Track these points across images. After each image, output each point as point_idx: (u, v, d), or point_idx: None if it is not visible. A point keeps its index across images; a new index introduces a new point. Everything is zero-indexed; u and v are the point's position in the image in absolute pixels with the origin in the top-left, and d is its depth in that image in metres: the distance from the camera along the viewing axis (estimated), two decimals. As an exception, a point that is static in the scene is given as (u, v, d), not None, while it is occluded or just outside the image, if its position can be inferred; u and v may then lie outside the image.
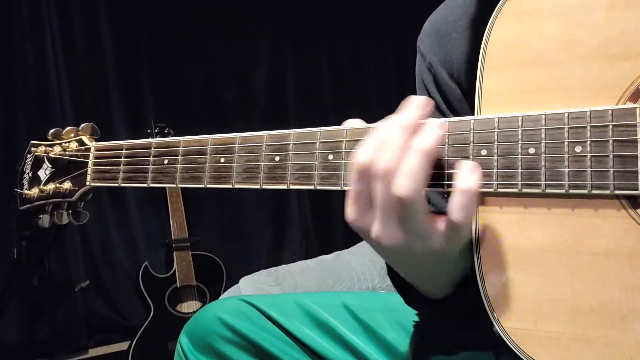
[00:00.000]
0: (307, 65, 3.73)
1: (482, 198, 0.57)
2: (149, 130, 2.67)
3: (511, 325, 0.56)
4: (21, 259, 2.71)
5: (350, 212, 0.54)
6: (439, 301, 0.63)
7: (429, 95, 0.85)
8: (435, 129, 0.53)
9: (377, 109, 3.76)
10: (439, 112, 0.82)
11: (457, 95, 0.77)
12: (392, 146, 0.51)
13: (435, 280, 0.62)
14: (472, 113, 0.59)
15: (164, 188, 2.56)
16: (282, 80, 3.67)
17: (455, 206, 0.52)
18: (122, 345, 2.76)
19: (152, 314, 2.48)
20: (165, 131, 2.69)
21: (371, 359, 0.76)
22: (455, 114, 0.59)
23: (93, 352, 2.99)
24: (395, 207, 0.51)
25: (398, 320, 0.78)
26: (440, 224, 0.53)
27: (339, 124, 0.64)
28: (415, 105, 0.54)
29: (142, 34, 3.26)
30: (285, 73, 3.68)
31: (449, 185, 0.57)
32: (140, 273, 2.53)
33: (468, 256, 0.57)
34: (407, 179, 0.50)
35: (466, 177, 0.52)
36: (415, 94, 0.87)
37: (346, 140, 0.63)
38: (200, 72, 3.39)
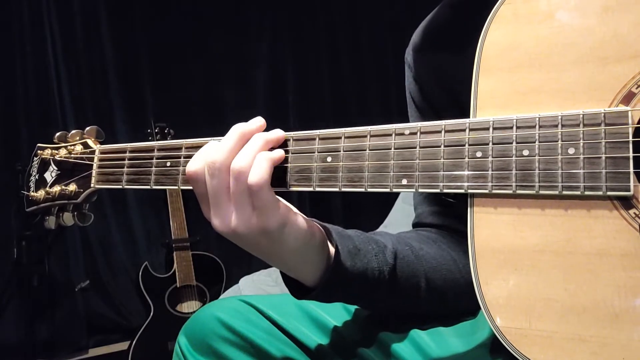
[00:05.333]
0: (307, 65, 3.74)
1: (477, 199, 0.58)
2: (149, 130, 2.67)
3: (506, 324, 0.56)
4: (21, 259, 2.72)
5: (214, 219, 0.63)
6: (313, 288, 0.68)
7: (416, 105, 0.87)
8: (279, 134, 0.65)
9: (377, 109, 3.79)
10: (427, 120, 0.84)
11: (443, 104, 0.79)
12: (246, 149, 0.62)
13: (303, 267, 0.67)
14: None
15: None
16: (282, 81, 3.68)
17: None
18: (122, 345, 2.76)
19: (152, 314, 2.48)
20: (165, 131, 2.69)
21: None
22: None
23: (93, 352, 3.00)
24: (247, 194, 0.61)
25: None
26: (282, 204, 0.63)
27: (339, 124, 0.65)
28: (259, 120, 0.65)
29: (142, 34, 3.27)
30: (285, 73, 3.69)
31: (445, 187, 0.58)
32: (140, 273, 2.53)
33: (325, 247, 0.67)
34: (256, 172, 0.61)
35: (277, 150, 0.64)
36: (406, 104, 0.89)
37: (344, 143, 0.63)
38: (200, 72, 3.40)
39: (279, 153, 0.64)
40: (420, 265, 0.75)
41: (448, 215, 0.83)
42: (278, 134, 0.65)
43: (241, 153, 0.62)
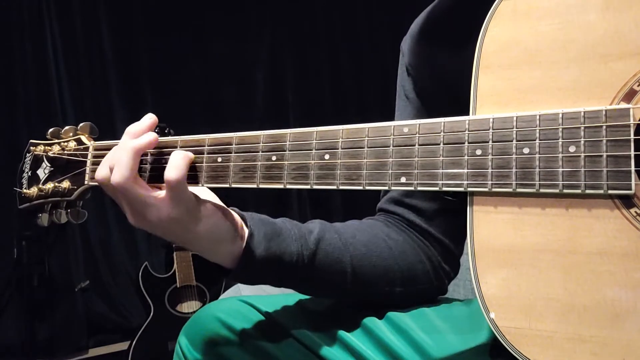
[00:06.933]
0: (307, 66, 3.73)
1: (477, 198, 0.58)
2: (149, 131, 2.67)
3: (505, 324, 0.56)
4: (21, 259, 2.71)
5: (128, 218, 0.70)
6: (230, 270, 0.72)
7: (405, 95, 0.86)
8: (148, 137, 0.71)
9: (377, 109, 3.78)
10: (418, 113, 0.83)
11: (434, 95, 0.78)
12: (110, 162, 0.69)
13: (218, 249, 0.70)
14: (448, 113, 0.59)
15: (164, 188, 2.56)
16: (282, 81, 3.67)
17: (170, 166, 0.66)
18: (122, 345, 2.75)
19: (152, 314, 2.48)
20: (166, 131, 2.69)
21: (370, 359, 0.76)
22: (433, 114, 0.60)
23: (93, 352, 2.99)
24: (120, 195, 0.68)
25: (396, 322, 0.78)
26: (160, 191, 0.67)
27: (339, 124, 0.65)
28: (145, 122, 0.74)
29: (142, 34, 3.27)
30: (285, 74, 3.68)
31: (444, 185, 0.58)
32: (140, 273, 2.52)
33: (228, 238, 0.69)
34: (118, 173, 0.67)
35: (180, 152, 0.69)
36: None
37: (342, 140, 0.63)
38: (200, 72, 3.39)
39: (141, 142, 0.69)
40: (347, 252, 0.76)
41: (402, 204, 0.84)
42: (140, 135, 0.71)
43: (114, 166, 0.68)
